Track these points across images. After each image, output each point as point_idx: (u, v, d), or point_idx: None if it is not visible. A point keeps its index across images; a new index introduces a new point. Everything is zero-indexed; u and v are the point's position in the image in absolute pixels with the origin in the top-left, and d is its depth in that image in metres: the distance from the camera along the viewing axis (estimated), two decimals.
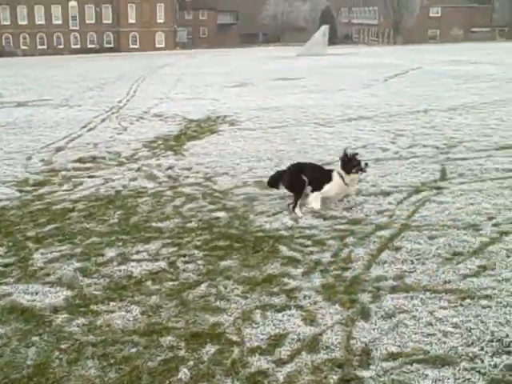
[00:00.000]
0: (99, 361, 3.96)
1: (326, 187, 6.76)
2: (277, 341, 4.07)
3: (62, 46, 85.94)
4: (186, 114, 15.42)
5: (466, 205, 6.73)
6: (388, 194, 7.38)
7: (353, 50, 57.49)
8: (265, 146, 10.82)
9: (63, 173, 9.30)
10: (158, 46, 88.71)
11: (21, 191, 8.29)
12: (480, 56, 36.38)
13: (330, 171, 6.87)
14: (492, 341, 3.88)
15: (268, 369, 3.76)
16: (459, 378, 3.49)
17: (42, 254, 5.86)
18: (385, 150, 10.06)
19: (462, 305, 4.41)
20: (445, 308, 4.37)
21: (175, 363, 3.89)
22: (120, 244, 6.07)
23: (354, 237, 5.94)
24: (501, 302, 4.40)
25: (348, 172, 6.69)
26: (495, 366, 3.60)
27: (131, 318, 4.50)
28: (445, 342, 3.90)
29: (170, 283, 5.09)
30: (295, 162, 7.57)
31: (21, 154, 10.82)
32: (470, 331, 4.02)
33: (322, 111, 15.02)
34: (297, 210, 6.76)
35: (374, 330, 4.13)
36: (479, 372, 3.55)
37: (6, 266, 5.59)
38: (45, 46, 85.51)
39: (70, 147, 11.44)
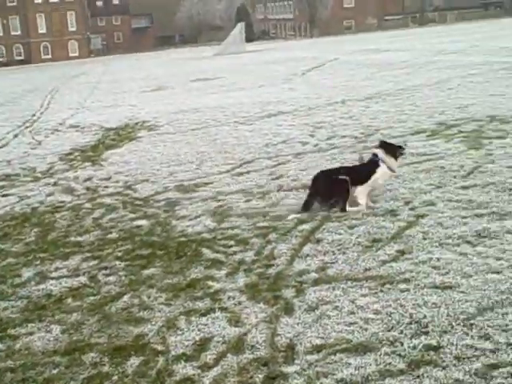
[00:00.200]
0: None
1: (376, 175, 6.40)
2: (202, 345, 4.02)
3: None
4: (103, 123, 15.15)
5: (384, 191, 6.86)
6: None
7: (271, 46, 58.04)
8: (185, 149, 10.76)
9: None
10: (71, 54, 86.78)
11: None
12: (393, 43, 37.46)
13: (373, 161, 6.48)
14: (411, 323, 3.96)
15: (194, 375, 3.71)
16: (380, 363, 3.55)
17: None
18: (304, 144, 10.17)
19: (382, 291, 4.48)
20: (366, 295, 4.43)
21: (99, 380, 3.79)
22: (38, 263, 5.88)
23: (276, 233, 5.96)
24: (418, 285, 4.50)
25: (396, 157, 6.54)
26: (414, 347, 3.67)
27: (51, 338, 4.36)
28: (366, 329, 3.95)
29: (92, 298, 4.96)
30: (316, 172, 6.90)
31: None
32: (390, 316, 4.09)
33: (241, 109, 15.07)
34: (348, 207, 6.35)
35: (297, 324, 4.14)
36: (399, 355, 3.61)
37: None
38: None
39: None
